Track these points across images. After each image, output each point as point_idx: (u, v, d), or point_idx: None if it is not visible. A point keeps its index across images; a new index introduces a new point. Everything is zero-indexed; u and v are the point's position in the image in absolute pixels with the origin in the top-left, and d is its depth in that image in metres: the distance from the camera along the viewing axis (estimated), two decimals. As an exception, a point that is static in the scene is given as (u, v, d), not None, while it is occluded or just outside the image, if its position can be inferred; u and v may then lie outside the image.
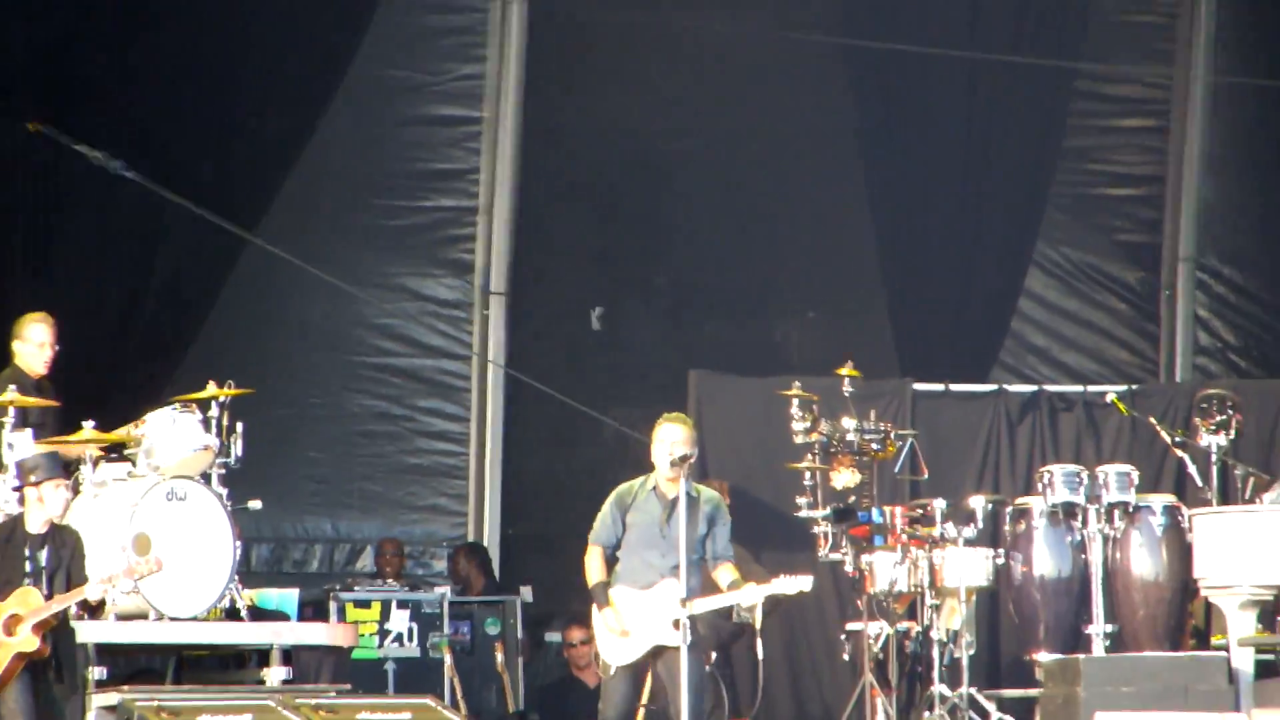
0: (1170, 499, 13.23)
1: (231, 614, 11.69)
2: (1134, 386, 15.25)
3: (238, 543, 11.73)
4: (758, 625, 10.98)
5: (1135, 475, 13.15)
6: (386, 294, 15.67)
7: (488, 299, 15.83)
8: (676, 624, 10.54)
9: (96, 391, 12.81)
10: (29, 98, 13.60)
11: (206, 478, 11.81)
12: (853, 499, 13.28)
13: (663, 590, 10.68)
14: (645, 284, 16.30)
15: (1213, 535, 12.50)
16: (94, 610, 11.05)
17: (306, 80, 14.36)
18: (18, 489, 11.18)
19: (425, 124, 15.88)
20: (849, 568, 13.19)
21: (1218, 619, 12.80)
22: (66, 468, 11.42)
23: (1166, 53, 16.76)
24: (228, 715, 10.84)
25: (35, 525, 10.83)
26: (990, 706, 12.76)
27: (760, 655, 11.28)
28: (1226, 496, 13.47)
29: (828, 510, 13.19)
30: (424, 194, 15.89)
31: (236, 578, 11.72)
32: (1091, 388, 15.10)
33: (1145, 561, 12.99)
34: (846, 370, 13.54)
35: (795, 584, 10.64)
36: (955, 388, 14.95)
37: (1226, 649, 12.37)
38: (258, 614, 11.99)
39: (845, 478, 13.28)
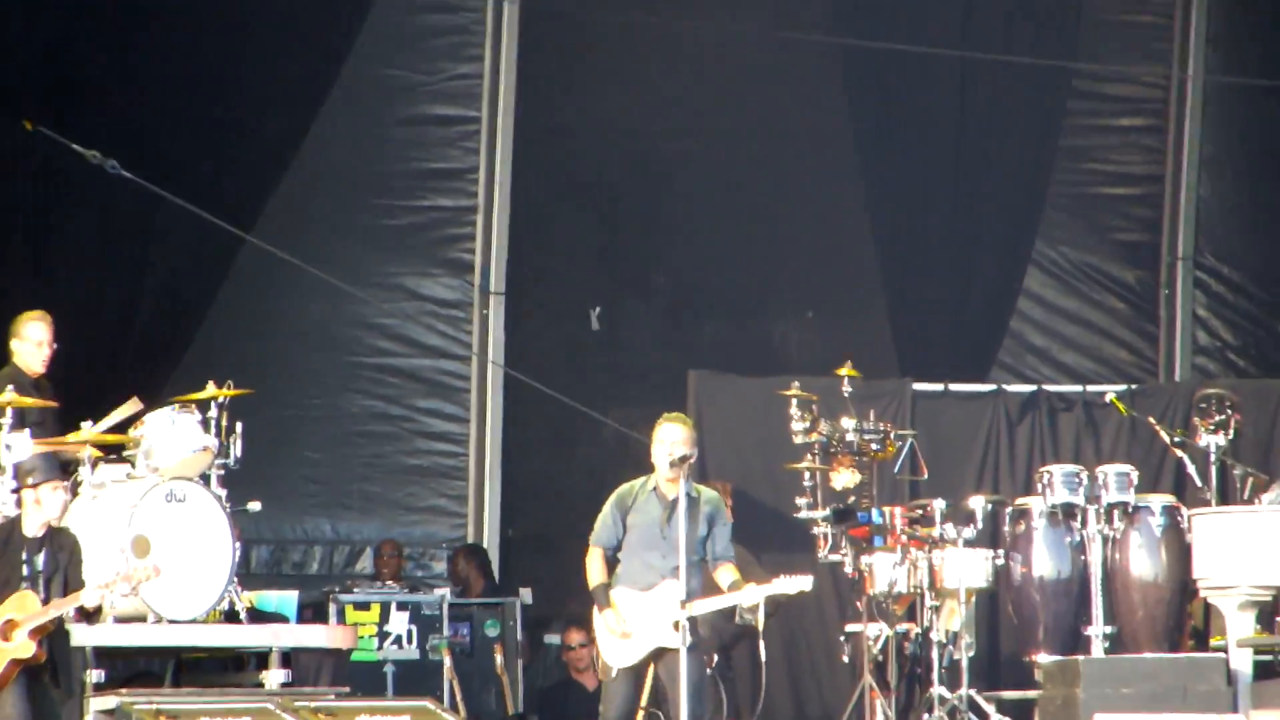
0: (1169, 499, 13.24)
1: (230, 616, 11.67)
2: (1133, 386, 15.26)
3: (237, 544, 11.71)
4: (760, 627, 10.95)
5: (1134, 475, 13.16)
6: (385, 294, 15.66)
7: (487, 299, 15.83)
8: (677, 625, 10.53)
9: (95, 392, 12.77)
10: (26, 97, 13.58)
11: (205, 479, 11.79)
12: (852, 499, 13.28)
13: (663, 592, 10.66)
14: (645, 284, 16.30)
15: (1212, 536, 12.49)
16: (91, 616, 11.00)
17: (303, 80, 14.33)
18: (15, 491, 11.14)
19: (422, 124, 15.88)
20: (848, 569, 13.19)
21: (1216, 620, 12.81)
22: (65, 468, 11.40)
23: (1163, 52, 16.77)
24: (227, 718, 10.82)
25: (33, 528, 10.78)
26: (989, 708, 12.76)
27: (763, 658, 11.28)
28: (1225, 497, 13.48)
29: (827, 511, 13.19)
30: (422, 194, 15.88)
31: (235, 580, 11.69)
32: (1091, 387, 15.12)
33: (1144, 562, 12.99)
34: (846, 370, 13.54)
35: (795, 584, 10.60)
36: (954, 388, 14.96)
37: (1225, 650, 12.36)
38: (257, 616, 11.98)
39: (845, 478, 13.27)
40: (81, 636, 10.99)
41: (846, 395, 13.48)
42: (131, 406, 11.81)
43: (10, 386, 11.62)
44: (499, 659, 14.01)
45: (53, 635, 10.62)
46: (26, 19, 13.61)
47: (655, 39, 15.66)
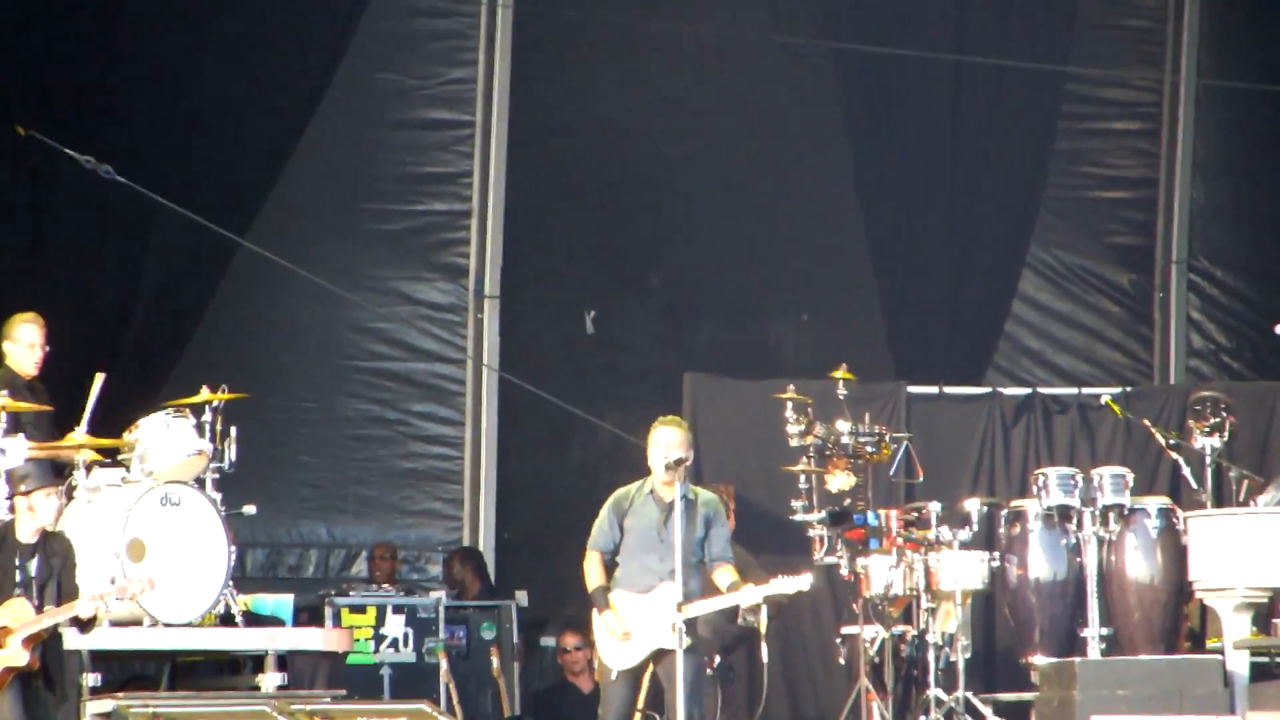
0: (1165, 501, 13.23)
1: (226, 620, 11.66)
2: (1128, 389, 15.28)
3: (232, 548, 11.69)
4: (763, 629, 10.93)
5: (1130, 478, 13.15)
6: (379, 298, 15.65)
7: (481, 302, 15.82)
8: (674, 627, 10.51)
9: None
10: (19, 102, 13.56)
11: (200, 483, 11.77)
12: (848, 502, 13.26)
13: (662, 594, 10.64)
14: (640, 286, 16.29)
15: (1207, 538, 12.46)
16: (85, 625, 10.96)
17: (297, 84, 14.33)
18: (9, 498, 11.11)
19: (416, 128, 15.89)
20: (844, 571, 13.17)
21: (1213, 622, 12.79)
22: (59, 472, 11.36)
23: (1156, 56, 16.80)
24: (223, 721, 10.83)
25: (26, 534, 10.73)
26: (986, 710, 12.76)
27: (765, 660, 11.27)
28: (1221, 499, 13.48)
29: (823, 513, 13.18)
30: (416, 198, 15.88)
31: (231, 583, 11.68)
32: (1086, 390, 15.14)
33: (1140, 564, 12.99)
34: (841, 373, 13.53)
35: (794, 584, 10.57)
36: (950, 390, 14.97)
37: (1221, 652, 12.36)
38: (252, 619, 11.97)
39: (840, 481, 13.26)
40: (77, 640, 10.95)
41: (842, 398, 13.47)
42: (97, 382, 11.78)
43: (4, 392, 11.59)
44: (495, 662, 14.00)
45: (46, 641, 10.59)
46: (18, 24, 13.59)
47: (650, 41, 15.66)
